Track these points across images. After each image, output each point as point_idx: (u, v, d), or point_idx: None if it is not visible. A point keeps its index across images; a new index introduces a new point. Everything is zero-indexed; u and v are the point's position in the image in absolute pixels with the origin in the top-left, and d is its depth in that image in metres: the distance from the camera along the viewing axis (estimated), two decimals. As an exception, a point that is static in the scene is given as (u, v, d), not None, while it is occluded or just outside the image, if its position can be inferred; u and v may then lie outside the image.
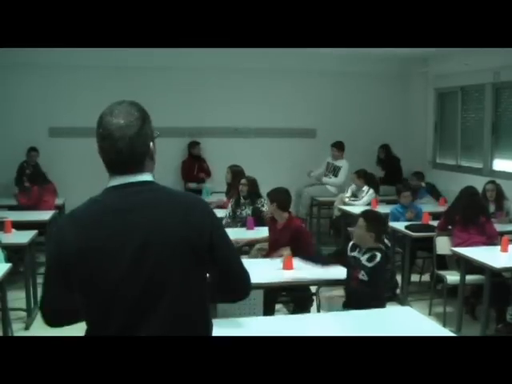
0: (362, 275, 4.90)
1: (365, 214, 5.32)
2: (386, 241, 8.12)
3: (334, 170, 10.62)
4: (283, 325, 4.03)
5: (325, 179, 10.65)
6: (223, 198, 8.89)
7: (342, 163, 10.60)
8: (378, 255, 4.90)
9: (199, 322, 2.28)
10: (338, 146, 10.72)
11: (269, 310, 5.28)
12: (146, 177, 2.24)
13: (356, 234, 5.18)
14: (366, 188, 9.51)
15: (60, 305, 2.23)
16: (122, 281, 2.12)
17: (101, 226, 2.15)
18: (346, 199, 9.62)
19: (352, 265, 5.04)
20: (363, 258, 4.96)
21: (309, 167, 10.76)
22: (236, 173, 8.60)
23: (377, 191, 9.69)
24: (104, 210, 2.18)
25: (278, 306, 5.78)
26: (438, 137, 11.79)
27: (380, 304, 4.71)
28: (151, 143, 2.27)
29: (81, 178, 10.00)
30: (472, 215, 6.79)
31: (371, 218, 5.17)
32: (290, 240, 5.94)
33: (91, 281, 2.13)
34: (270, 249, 6.17)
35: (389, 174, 11.24)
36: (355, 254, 5.07)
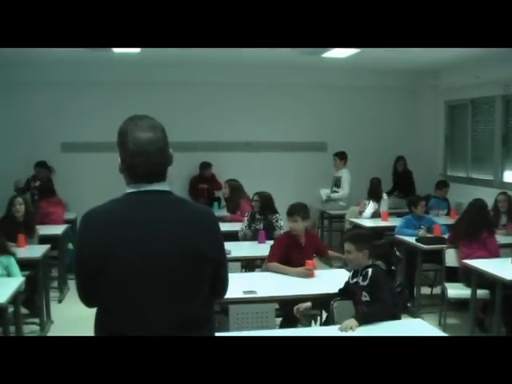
0: (365, 296, 4.68)
1: (348, 238, 5.07)
2: (397, 253, 8.18)
3: (336, 182, 10.69)
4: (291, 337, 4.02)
5: (333, 195, 10.66)
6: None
7: (342, 173, 10.66)
8: (369, 270, 4.67)
9: (202, 326, 2.39)
10: (340, 156, 10.80)
11: (287, 323, 5.33)
12: (166, 186, 2.38)
13: (349, 259, 4.90)
14: (366, 201, 9.60)
15: (88, 290, 2.38)
16: (133, 278, 2.26)
17: (123, 226, 2.29)
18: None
19: (354, 291, 4.81)
20: (360, 280, 4.75)
21: (320, 180, 10.77)
22: (234, 187, 8.63)
23: (377, 201, 9.67)
24: (127, 212, 2.32)
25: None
26: (449, 149, 11.81)
27: (395, 316, 4.53)
28: (171, 151, 2.42)
29: (93, 192, 9.96)
30: (476, 229, 6.79)
31: (356, 238, 4.94)
32: (313, 247, 6.17)
33: (108, 275, 2.27)
34: (296, 261, 5.87)
35: (402, 186, 11.23)
36: (356, 279, 4.83)
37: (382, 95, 11.79)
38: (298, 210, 6.10)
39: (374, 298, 4.54)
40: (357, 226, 9.04)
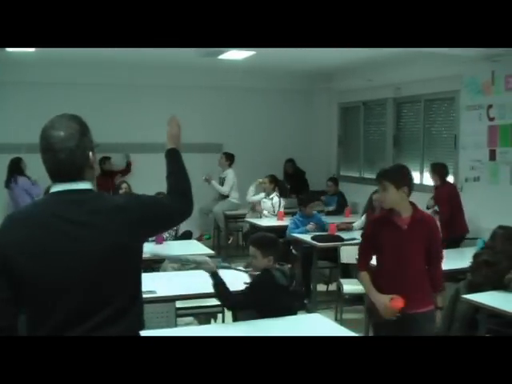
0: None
1: (253, 241, 4.62)
2: (293, 252, 8.32)
3: (222, 182, 10.88)
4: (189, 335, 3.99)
5: (213, 182, 10.76)
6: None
7: (227, 173, 10.86)
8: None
9: (134, 323, 2.42)
10: (226, 155, 11.01)
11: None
12: (85, 185, 2.38)
13: (253, 264, 4.56)
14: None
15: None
16: (60, 282, 2.24)
17: (43, 228, 2.27)
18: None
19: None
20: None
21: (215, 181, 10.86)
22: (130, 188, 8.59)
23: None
24: (46, 213, 2.30)
25: (190, 319, 5.76)
26: (342, 150, 12.09)
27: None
28: (91, 153, 2.43)
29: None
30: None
31: (262, 243, 4.54)
32: (425, 239, 4.23)
33: (32, 280, 2.24)
34: (390, 260, 4.25)
35: (294, 187, 11.40)
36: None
37: (277, 97, 11.96)
38: (389, 174, 4.23)
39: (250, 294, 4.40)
40: (254, 227, 9.13)
